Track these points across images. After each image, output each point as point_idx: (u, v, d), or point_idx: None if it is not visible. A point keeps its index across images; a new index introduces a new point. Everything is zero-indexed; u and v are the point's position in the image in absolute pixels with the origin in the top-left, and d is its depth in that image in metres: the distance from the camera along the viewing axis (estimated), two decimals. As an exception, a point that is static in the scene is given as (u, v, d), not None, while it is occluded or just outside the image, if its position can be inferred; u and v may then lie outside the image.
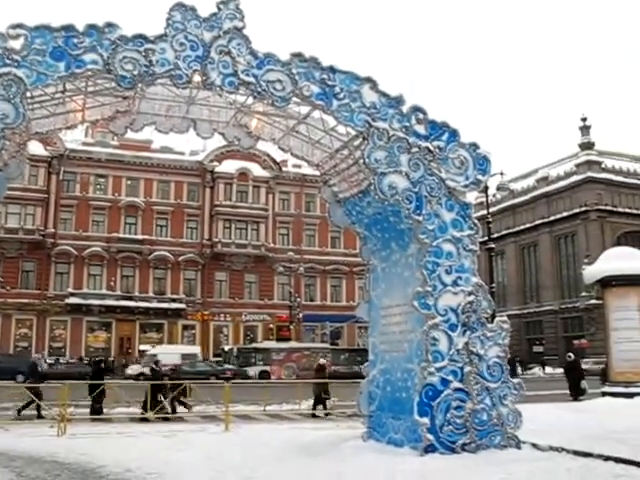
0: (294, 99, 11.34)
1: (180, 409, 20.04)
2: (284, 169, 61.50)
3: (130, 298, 56.52)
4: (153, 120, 12.62)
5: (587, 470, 9.51)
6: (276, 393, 22.57)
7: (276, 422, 18.02)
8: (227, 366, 44.54)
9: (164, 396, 19.22)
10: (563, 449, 11.06)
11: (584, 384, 22.97)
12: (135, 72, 10.53)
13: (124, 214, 58.33)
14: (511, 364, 17.66)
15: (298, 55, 11.29)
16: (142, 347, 52.63)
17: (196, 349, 49.95)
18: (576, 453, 10.73)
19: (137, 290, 57.25)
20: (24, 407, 18.61)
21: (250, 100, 11.92)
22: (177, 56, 10.78)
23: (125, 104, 12.27)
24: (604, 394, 20.38)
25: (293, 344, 52.15)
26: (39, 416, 17.88)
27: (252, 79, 11.02)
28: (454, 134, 12.06)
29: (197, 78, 10.95)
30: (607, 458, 10.18)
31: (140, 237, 57.86)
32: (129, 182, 58.96)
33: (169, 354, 42.71)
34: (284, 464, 10.45)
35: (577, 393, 22.69)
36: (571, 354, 25.80)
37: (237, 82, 11.01)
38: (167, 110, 12.60)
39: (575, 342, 63.34)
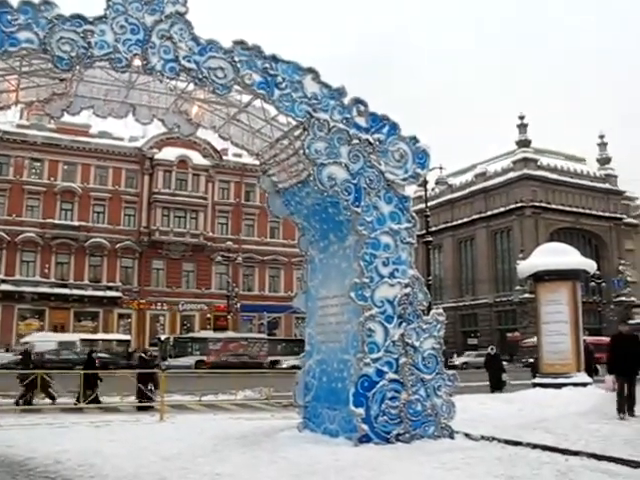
0: (235, 87, 11.20)
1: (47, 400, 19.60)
2: (224, 158, 61.10)
3: (64, 285, 55.43)
4: (91, 104, 12.30)
5: (517, 458, 9.74)
6: (212, 383, 22.44)
7: (212, 412, 17.90)
8: (101, 355, 41.64)
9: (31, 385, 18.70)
10: (494, 438, 11.30)
11: (505, 377, 23.30)
12: (73, 54, 10.22)
13: (60, 199, 57.08)
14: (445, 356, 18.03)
15: (241, 43, 11.13)
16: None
17: (74, 336, 48.14)
18: (507, 442, 10.98)
19: (72, 277, 56.19)
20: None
21: (191, 87, 11.74)
22: (117, 39, 10.49)
23: (62, 86, 11.92)
24: (534, 385, 20.85)
25: (230, 334, 52.03)
26: None
27: (193, 65, 10.82)
28: (394, 127, 12.11)
29: (137, 62, 10.70)
30: (535, 446, 10.48)
31: (76, 223, 56.74)
32: (66, 167, 57.72)
33: (46, 342, 42.32)
34: (219, 454, 10.37)
35: (498, 386, 23.02)
36: (493, 347, 25.95)
37: (178, 68, 10.80)
38: (106, 94, 12.30)
39: (508, 335, 64.82)
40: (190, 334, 53.10)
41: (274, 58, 11.33)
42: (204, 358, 45.57)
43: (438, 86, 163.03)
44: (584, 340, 25.63)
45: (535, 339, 23.92)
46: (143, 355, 22.86)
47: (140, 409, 17.99)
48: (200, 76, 10.86)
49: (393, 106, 13.87)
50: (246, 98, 11.96)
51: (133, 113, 12.55)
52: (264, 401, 20.46)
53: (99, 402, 18.93)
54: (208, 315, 58.99)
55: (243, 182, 62.53)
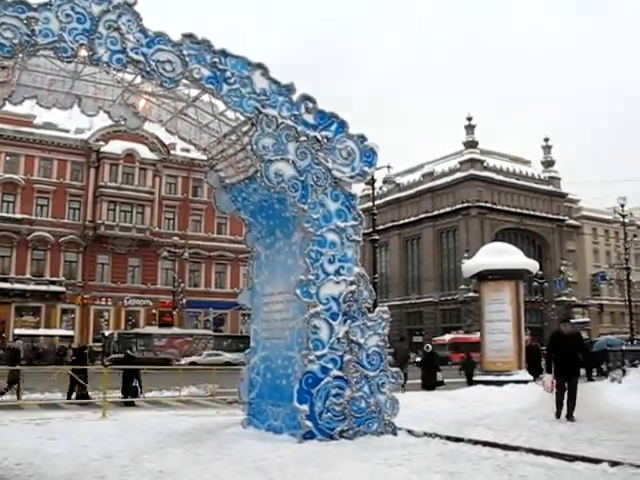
0: (184, 81, 11.05)
1: None
2: (172, 152, 60.52)
3: (5, 280, 54.19)
4: (34, 93, 11.96)
5: (458, 454, 9.89)
6: (156, 379, 22.20)
7: (155, 409, 17.72)
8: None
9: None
10: (437, 435, 11.44)
11: (440, 376, 23.51)
12: (15, 41, 9.93)
13: (1, 191, 55.82)
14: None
15: (190, 36, 10.98)
16: (17, 331, 50.47)
17: None
18: (448, 438, 11.14)
19: (13, 271, 54.94)
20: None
21: (138, 79, 11.50)
22: (62, 28, 10.21)
23: (4, 74, 11.57)
24: (477, 382, 21.22)
25: (176, 330, 51.66)
26: None
27: (141, 58, 10.63)
28: (342, 125, 12.14)
29: (83, 53, 10.43)
30: (476, 442, 10.66)
31: (19, 216, 55.49)
32: (8, 158, 56.39)
33: None
34: (162, 451, 10.26)
35: (432, 384, 23.21)
36: (429, 345, 26.26)
37: (125, 60, 10.59)
38: (50, 84, 11.97)
39: (453, 333, 65.65)
40: (135, 330, 52.46)
41: (223, 53, 11.23)
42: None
43: (387, 86, 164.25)
44: (529, 340, 26.19)
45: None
46: (129, 351, 22.99)
47: (82, 405, 17.73)
48: (148, 69, 10.67)
49: (341, 104, 13.89)
50: (194, 92, 11.81)
51: (78, 104, 12.26)
52: (209, 398, 20.37)
53: (88, 397, 19.12)
54: (153, 311, 58.35)
55: (191, 177, 62.01)
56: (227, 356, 42.57)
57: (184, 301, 56.25)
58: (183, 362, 42.97)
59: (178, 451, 10.21)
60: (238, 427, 12.70)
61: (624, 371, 20.33)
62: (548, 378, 13.31)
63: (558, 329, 14.21)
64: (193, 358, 44.10)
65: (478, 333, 60.67)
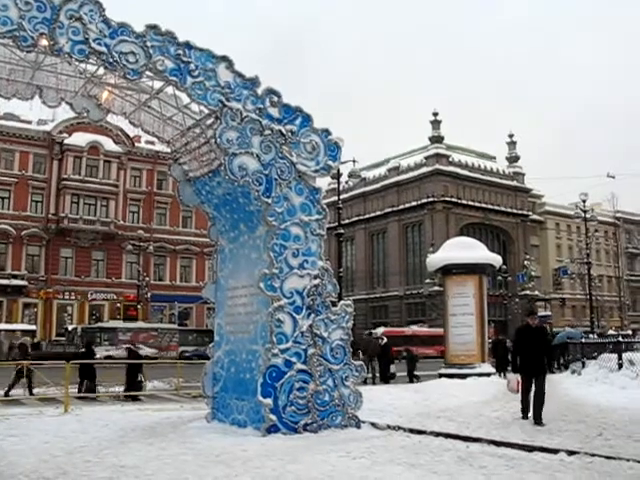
0: (147, 73, 10.93)
1: None
2: (137, 145, 59.79)
3: (-34, 273, 53.20)
4: (-7, 83, 11.82)
5: (420, 446, 10.01)
6: (121, 374, 22.00)
7: (119, 404, 17.57)
8: None
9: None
10: (400, 427, 11.58)
11: (393, 368, 23.59)
12: (-29, 28, 9.76)
13: (-39, 184, 54.66)
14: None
15: (154, 28, 10.85)
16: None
17: None
18: (411, 431, 11.27)
19: (-26, 265, 53.97)
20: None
21: (101, 71, 11.36)
22: (22, 16, 9.97)
23: (-40, 63, 11.40)
24: (440, 375, 21.42)
25: (140, 324, 51.26)
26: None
27: (104, 49, 10.46)
28: (307, 119, 12.16)
29: (44, 42, 10.24)
30: (438, 434, 10.81)
31: (-21, 209, 54.47)
32: (-33, 150, 55.29)
33: None
34: (125, 446, 10.21)
35: (386, 377, 23.30)
36: (384, 338, 26.15)
37: (88, 50, 10.41)
38: (9, 74, 11.77)
39: (420, 325, 66.10)
40: (99, 324, 51.92)
41: (187, 45, 11.14)
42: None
43: (354, 81, 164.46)
44: (492, 333, 26.45)
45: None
46: (132, 347, 23.00)
47: (43, 401, 17.53)
48: (111, 60, 10.52)
49: (308, 99, 13.90)
50: (158, 84, 11.70)
51: (40, 95, 12.07)
52: (173, 392, 20.28)
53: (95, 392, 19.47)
54: (118, 305, 57.69)
55: (156, 170, 61.40)
56: (146, 350, 41.49)
57: (149, 295, 55.84)
58: (99, 355, 41.24)
59: (141, 446, 10.17)
60: (202, 421, 12.70)
61: (583, 363, 20.66)
62: (513, 378, 12.06)
63: (525, 323, 12.61)
64: (110, 352, 42.34)
65: (414, 327, 60.99)
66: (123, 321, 52.56)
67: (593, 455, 8.76)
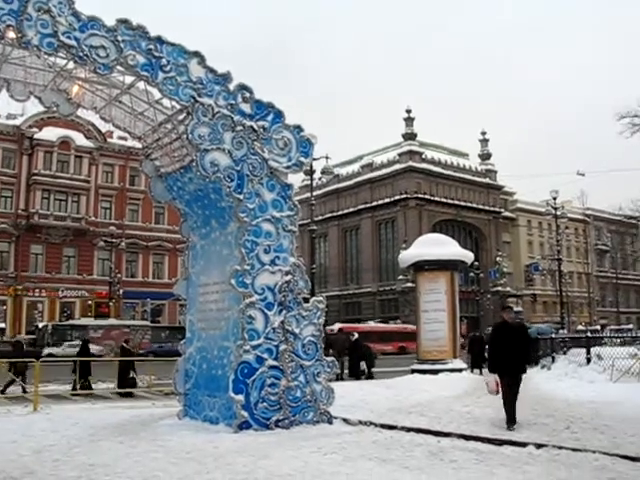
0: (118, 68, 10.82)
1: None
2: (109, 140, 59.43)
3: None
4: (-42, 76, 11.59)
5: (391, 441, 10.09)
6: (92, 371, 21.83)
7: (90, 402, 17.44)
8: None
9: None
10: (371, 423, 11.63)
11: (363, 365, 23.57)
12: None
13: None
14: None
15: (125, 22, 10.73)
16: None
17: None
18: (383, 426, 11.33)
19: (-59, 262, 53.20)
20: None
21: (71, 64, 11.21)
22: (-13, 7, 9.88)
23: None
24: (413, 371, 21.54)
25: (112, 321, 50.87)
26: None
27: (74, 42, 10.32)
28: (279, 115, 12.14)
29: (11, 34, 10.04)
30: (409, 429, 10.90)
31: (-54, 204, 53.66)
32: None
33: None
34: (95, 444, 10.12)
35: (357, 373, 23.28)
36: (355, 334, 25.86)
37: (57, 44, 10.26)
38: (-25, 67, 11.63)
39: (390, 322, 66.39)
40: (70, 321, 51.43)
41: (159, 40, 11.05)
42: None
43: (327, 78, 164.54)
44: (464, 329, 26.62)
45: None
46: (125, 344, 23.14)
47: (12, 399, 17.36)
48: (81, 54, 10.39)
49: (279, 96, 13.86)
50: (129, 79, 11.61)
51: (7, 89, 11.87)
52: (145, 389, 20.16)
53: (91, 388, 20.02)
54: (89, 302, 57.25)
55: (128, 166, 60.95)
56: (93, 347, 40.82)
57: (121, 292, 55.45)
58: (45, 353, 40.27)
59: (111, 444, 10.09)
60: (174, 418, 12.65)
61: (553, 358, 20.89)
62: (492, 379, 11.09)
63: (502, 319, 11.69)
64: (52, 349, 41.37)
65: (371, 322, 60.78)
66: (94, 318, 52.09)
67: (560, 448, 8.92)
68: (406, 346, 54.73)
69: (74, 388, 19.63)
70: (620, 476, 7.50)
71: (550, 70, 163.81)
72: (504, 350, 10.87)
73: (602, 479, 7.39)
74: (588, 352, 17.90)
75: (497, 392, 10.99)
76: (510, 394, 10.85)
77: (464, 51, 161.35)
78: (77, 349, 26.12)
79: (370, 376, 23.12)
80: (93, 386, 20.55)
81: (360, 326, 54.52)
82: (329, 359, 12.22)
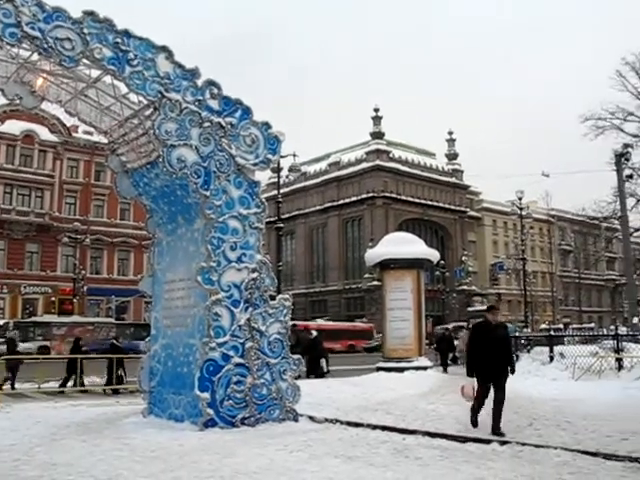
0: (84, 61, 10.66)
1: None
2: (74, 135, 58.60)
3: None
4: None
5: (357, 439, 10.14)
6: (55, 369, 21.55)
7: (53, 400, 17.18)
8: None
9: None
10: (337, 420, 11.67)
11: (323, 362, 23.57)
12: None
13: None
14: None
15: (91, 14, 10.55)
16: None
17: None
18: (349, 424, 11.39)
19: None
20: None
21: (35, 56, 11.03)
22: (-54, -5, 9.64)
23: None
24: (378, 369, 21.60)
25: (76, 318, 50.11)
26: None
27: (38, 33, 10.10)
28: (247, 112, 12.10)
29: (-29, 24, 9.91)
30: (375, 427, 10.96)
31: None
32: None
33: None
34: (58, 443, 10.00)
35: (315, 371, 23.25)
36: (314, 332, 25.58)
37: (20, 34, 10.00)
38: None
39: (356, 320, 66.60)
40: (32, 318, 50.63)
41: (126, 33, 10.91)
42: (47, 343, 43.61)
43: (294, 75, 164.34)
44: (446, 329, 26.77)
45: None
46: (114, 341, 23.34)
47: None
48: (45, 46, 10.17)
49: (248, 93, 13.82)
50: (95, 73, 11.44)
51: (-33, 80, 11.68)
52: (110, 387, 19.95)
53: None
54: (53, 299, 56.42)
55: (93, 161, 60.08)
56: (22, 345, 39.87)
57: (85, 288, 54.80)
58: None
59: (74, 442, 9.97)
60: (138, 416, 12.55)
61: (517, 357, 21.08)
62: (469, 384, 10.34)
63: (484, 319, 10.80)
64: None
65: (320, 320, 60.24)
66: (58, 315, 51.35)
67: (523, 444, 9.08)
68: (355, 344, 54.86)
69: (64, 385, 19.68)
70: (581, 471, 7.62)
71: (520, 71, 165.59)
72: (484, 353, 10.02)
73: (564, 474, 7.51)
74: (551, 350, 18.13)
75: (473, 399, 10.20)
76: (484, 397, 10.15)
77: (434, 51, 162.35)
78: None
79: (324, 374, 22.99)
80: (56, 384, 20.29)
81: (310, 324, 54.50)
82: (295, 357, 12.22)
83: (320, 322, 58.49)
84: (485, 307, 11.05)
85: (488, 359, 9.98)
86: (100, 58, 10.63)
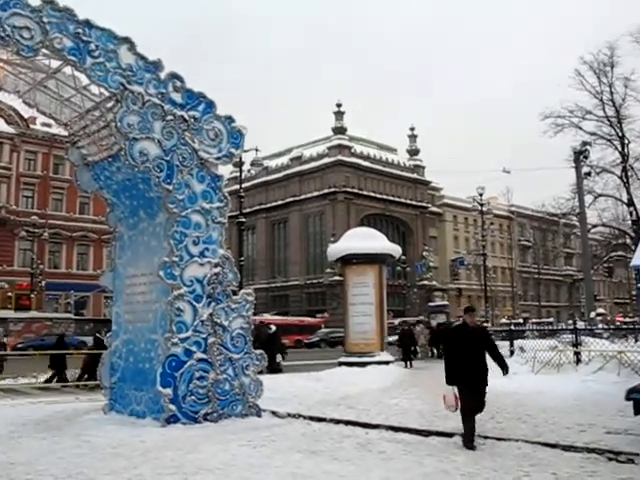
0: (44, 51, 10.43)
1: None
2: (32, 127, 57.60)
3: None
4: None
5: (320, 433, 10.18)
6: (11, 366, 21.20)
7: (10, 397, 16.88)
8: None
9: None
10: (300, 415, 11.70)
11: (279, 358, 23.52)
12: None
13: None
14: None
15: (50, 2, 10.31)
16: None
17: None
18: (312, 418, 11.42)
19: None
20: None
21: (-9, 45, 10.79)
22: None
23: None
24: (340, 364, 21.65)
25: (34, 314, 49.36)
26: None
27: (-7, 21, 9.90)
28: (210, 105, 12.01)
29: None
30: (338, 421, 11.01)
31: None
32: None
33: None
34: (16, 441, 9.85)
35: (271, 366, 23.14)
36: (273, 326, 24.69)
37: (-27, 22, 9.81)
38: None
39: (318, 315, 66.69)
40: (-12, 314, 49.73)
41: (88, 23, 10.72)
42: (4, 340, 42.81)
43: (257, 70, 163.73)
44: (405, 323, 26.83)
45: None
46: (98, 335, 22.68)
47: None
48: (2, 34, 9.85)
49: (211, 87, 13.69)
50: (55, 63, 11.22)
51: None
52: (68, 384, 19.69)
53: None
54: (9, 294, 55.44)
55: (52, 154, 59.19)
56: None
57: (43, 283, 53.97)
58: None
59: (33, 441, 9.83)
60: (99, 413, 12.41)
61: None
62: (450, 392, 9.27)
63: (461, 323, 10.03)
64: None
65: (266, 315, 60.11)
66: (15, 311, 50.48)
67: (486, 437, 9.19)
68: (302, 339, 54.88)
69: (49, 382, 19.76)
70: (541, 462, 7.74)
71: (482, 67, 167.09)
72: (462, 358, 9.19)
73: (525, 466, 7.61)
74: (512, 345, 18.34)
75: (456, 408, 9.22)
76: (472, 411, 9.15)
77: (399, 46, 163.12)
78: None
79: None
80: (11, 381, 19.99)
81: (255, 318, 53.92)
82: (258, 352, 12.18)
83: (266, 316, 58.35)
84: (465, 309, 9.99)
85: (466, 366, 9.10)
86: (60, 48, 10.42)
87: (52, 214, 58.96)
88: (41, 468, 7.88)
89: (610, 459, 7.92)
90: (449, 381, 9.26)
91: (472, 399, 9.09)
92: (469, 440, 8.89)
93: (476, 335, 9.52)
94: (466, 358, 9.12)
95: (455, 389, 9.17)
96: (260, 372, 12.38)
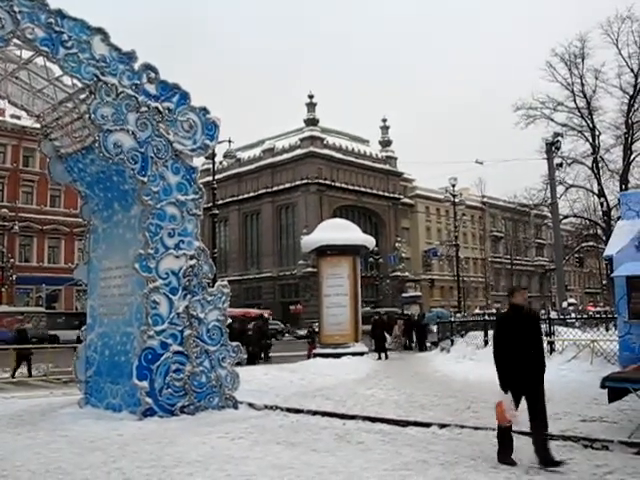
0: (15, 41, 10.28)
1: None
2: (1, 118, 56.69)
3: None
4: None
5: (298, 425, 10.20)
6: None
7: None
8: None
9: None
10: (277, 407, 11.72)
11: (252, 349, 23.52)
12: None
13: None
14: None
15: (22, -8, 10.22)
16: None
17: None
18: (289, 410, 11.44)
19: None
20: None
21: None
22: None
23: None
24: (315, 355, 21.72)
25: (4, 308, 48.81)
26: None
27: (-39, 10, 9.72)
28: (185, 97, 11.93)
29: None
30: (315, 413, 11.05)
31: None
32: None
33: None
34: (-11, 436, 9.73)
35: (267, 356, 23.14)
36: (265, 314, 25.61)
37: (-59, 10, 9.63)
38: None
39: (291, 307, 66.73)
40: (-43, 309, 49.08)
41: (60, 13, 10.58)
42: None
43: (228, 62, 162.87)
44: (378, 317, 26.93)
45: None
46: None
47: None
48: (-30, 22, 9.78)
49: (185, 79, 13.59)
50: (27, 54, 11.08)
51: None
52: (42, 378, 19.53)
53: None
54: (-21, 288, 54.80)
55: (22, 146, 58.31)
56: None
57: (14, 277, 53.34)
58: None
59: (8, 436, 9.72)
60: (75, 407, 12.32)
61: (452, 341, 21.53)
62: (507, 399, 7.40)
63: (513, 307, 7.73)
64: None
65: None
66: (-15, 305, 49.94)
67: (462, 427, 9.31)
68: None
69: (13, 376, 19.63)
70: (518, 450, 7.79)
71: (452, 56, 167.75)
72: (520, 354, 7.34)
73: (502, 455, 7.66)
74: (486, 335, 18.49)
75: (516, 416, 7.44)
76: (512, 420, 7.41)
77: (367, 37, 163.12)
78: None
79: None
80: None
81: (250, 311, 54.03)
82: (234, 344, 12.17)
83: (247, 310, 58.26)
84: (510, 290, 7.99)
85: (523, 359, 7.33)
86: (32, 39, 10.28)
87: (22, 207, 58.14)
88: (18, 464, 7.77)
89: (585, 446, 8.06)
90: (504, 385, 7.45)
91: (519, 401, 7.46)
92: (505, 458, 7.47)
93: (534, 322, 7.85)
94: (524, 353, 7.34)
95: (510, 396, 7.38)
96: (238, 364, 12.37)
